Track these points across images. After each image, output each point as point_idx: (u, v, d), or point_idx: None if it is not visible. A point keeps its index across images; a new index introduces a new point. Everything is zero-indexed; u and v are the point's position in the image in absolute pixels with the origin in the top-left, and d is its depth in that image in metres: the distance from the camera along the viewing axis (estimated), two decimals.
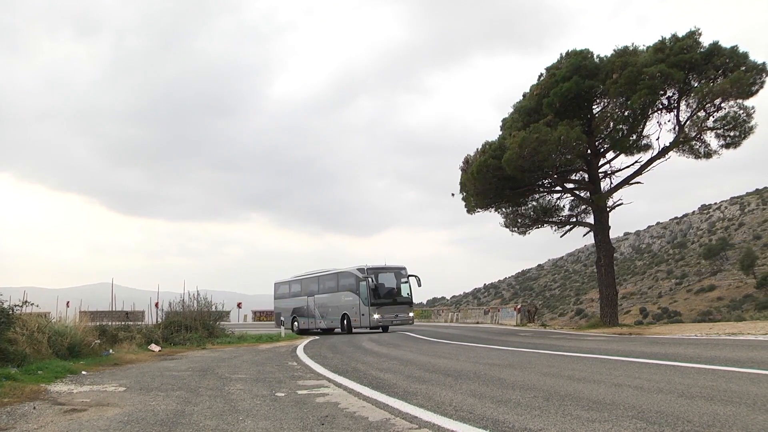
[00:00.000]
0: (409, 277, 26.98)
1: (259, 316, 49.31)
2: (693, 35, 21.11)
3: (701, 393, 5.26)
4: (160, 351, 14.72)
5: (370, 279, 25.72)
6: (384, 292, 26.39)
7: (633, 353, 9.76)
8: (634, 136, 22.93)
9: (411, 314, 26.92)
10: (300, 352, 14.06)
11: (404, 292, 26.78)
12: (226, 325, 23.36)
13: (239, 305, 45.80)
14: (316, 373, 9.04)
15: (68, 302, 22.21)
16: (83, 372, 9.53)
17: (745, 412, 4.35)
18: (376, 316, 25.30)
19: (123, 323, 17.08)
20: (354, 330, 26.24)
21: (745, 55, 20.48)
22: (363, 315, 25.51)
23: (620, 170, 24.20)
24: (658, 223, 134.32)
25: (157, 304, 20.80)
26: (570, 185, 26.14)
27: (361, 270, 26.35)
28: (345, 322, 26.56)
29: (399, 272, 27.25)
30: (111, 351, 12.92)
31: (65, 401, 6.42)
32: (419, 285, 26.90)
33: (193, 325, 18.54)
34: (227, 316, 37.12)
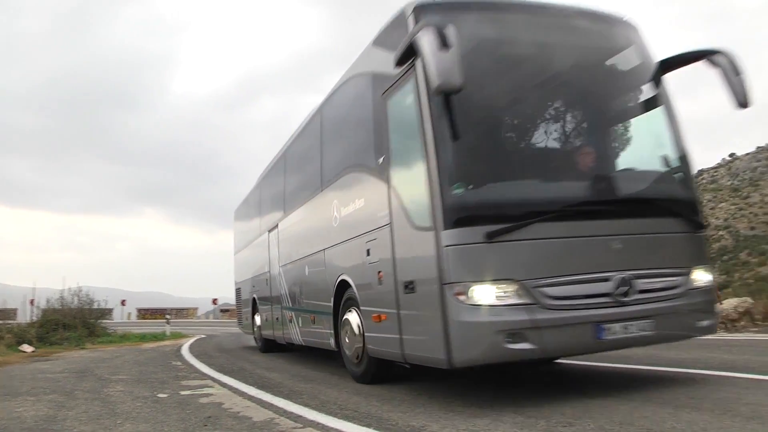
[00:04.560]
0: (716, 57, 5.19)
1: (144, 314, 47.60)
2: None
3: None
4: (33, 352, 13.81)
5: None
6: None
7: None
8: None
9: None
10: (185, 351, 13.65)
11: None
12: (108, 324, 22.25)
13: (123, 303, 44.14)
14: (200, 372, 8.85)
15: None
16: None
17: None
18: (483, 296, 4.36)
19: None
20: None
21: None
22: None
23: None
24: None
25: (32, 301, 19.58)
26: None
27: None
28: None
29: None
30: None
31: None
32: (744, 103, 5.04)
33: (72, 324, 17.55)
34: (110, 314, 35.53)
